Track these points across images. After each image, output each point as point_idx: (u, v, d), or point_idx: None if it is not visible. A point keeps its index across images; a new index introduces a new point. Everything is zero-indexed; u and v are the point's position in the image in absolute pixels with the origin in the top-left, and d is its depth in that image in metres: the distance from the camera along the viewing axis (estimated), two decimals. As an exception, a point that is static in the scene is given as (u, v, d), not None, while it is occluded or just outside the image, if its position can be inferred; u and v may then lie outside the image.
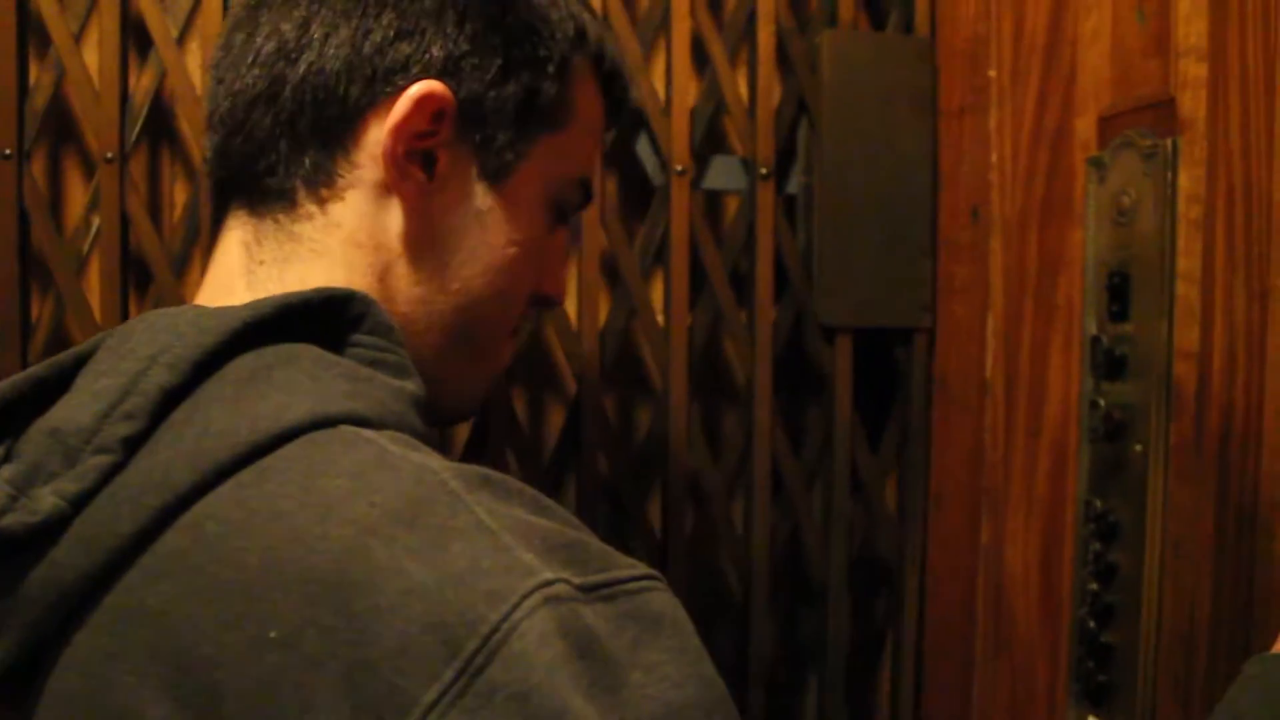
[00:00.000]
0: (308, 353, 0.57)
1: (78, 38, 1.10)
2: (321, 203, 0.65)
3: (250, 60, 0.66)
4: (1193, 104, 0.87)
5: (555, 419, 1.24)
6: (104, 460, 0.52)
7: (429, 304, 0.67)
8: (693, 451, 1.21)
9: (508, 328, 0.72)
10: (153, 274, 1.12)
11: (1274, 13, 0.80)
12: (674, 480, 1.21)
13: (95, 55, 1.09)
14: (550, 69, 0.68)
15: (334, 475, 0.51)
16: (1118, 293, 0.93)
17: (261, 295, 0.63)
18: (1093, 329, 0.96)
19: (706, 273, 1.22)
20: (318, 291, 0.59)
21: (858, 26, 1.26)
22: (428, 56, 0.64)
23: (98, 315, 1.09)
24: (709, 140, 1.24)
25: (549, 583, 0.47)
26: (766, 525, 1.22)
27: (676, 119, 1.19)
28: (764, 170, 1.21)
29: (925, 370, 1.27)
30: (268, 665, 0.47)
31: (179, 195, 1.16)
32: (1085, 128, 1.00)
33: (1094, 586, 0.94)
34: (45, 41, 1.08)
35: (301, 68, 0.64)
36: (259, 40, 0.66)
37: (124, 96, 1.10)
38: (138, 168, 1.15)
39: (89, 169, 1.13)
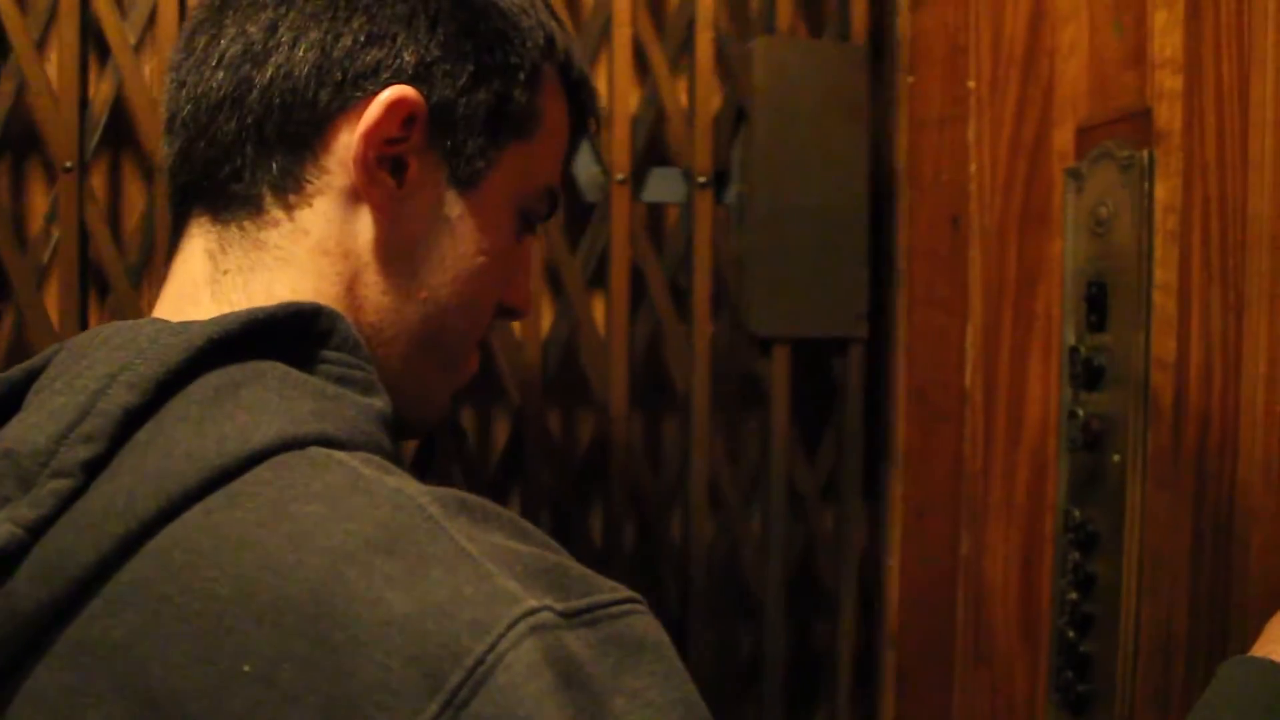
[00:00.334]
0: (275, 370, 0.55)
1: (39, 46, 1.09)
2: (289, 209, 0.63)
3: (215, 63, 0.64)
4: (1169, 115, 0.87)
5: (500, 431, 1.23)
6: (62, 485, 0.50)
7: (397, 313, 0.65)
8: (633, 464, 1.21)
9: (475, 338, 0.71)
10: (110, 285, 1.11)
11: (1249, 25, 0.80)
12: (615, 493, 1.20)
13: (55, 63, 1.09)
14: (521, 77, 0.67)
15: (306, 500, 0.49)
16: (1095, 303, 0.93)
17: (226, 305, 0.63)
18: (1071, 339, 0.96)
19: (647, 283, 1.21)
20: (284, 306, 0.57)
21: (796, 33, 1.25)
22: (399, 62, 0.63)
23: (57, 327, 1.08)
24: (650, 150, 1.23)
25: (533, 611, 0.46)
26: (705, 539, 1.21)
27: (618, 127, 1.19)
28: (702, 179, 1.21)
29: (862, 381, 1.26)
30: (242, 700, 0.45)
31: (141, 205, 1.15)
32: (1063, 138, 1.01)
33: (1073, 596, 0.94)
34: (6, 50, 1.08)
35: (269, 71, 0.62)
36: (224, 42, 0.64)
37: (83, 105, 1.09)
38: (99, 177, 1.14)
39: (52, 179, 1.12)
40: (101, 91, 1.11)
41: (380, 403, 0.59)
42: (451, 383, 0.72)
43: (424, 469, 1.15)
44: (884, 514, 1.29)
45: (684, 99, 1.23)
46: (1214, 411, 0.83)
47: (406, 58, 0.63)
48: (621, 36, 1.19)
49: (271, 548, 0.48)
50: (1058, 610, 0.97)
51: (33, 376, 0.57)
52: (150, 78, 1.12)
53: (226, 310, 0.61)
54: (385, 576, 0.46)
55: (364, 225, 0.64)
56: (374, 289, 0.65)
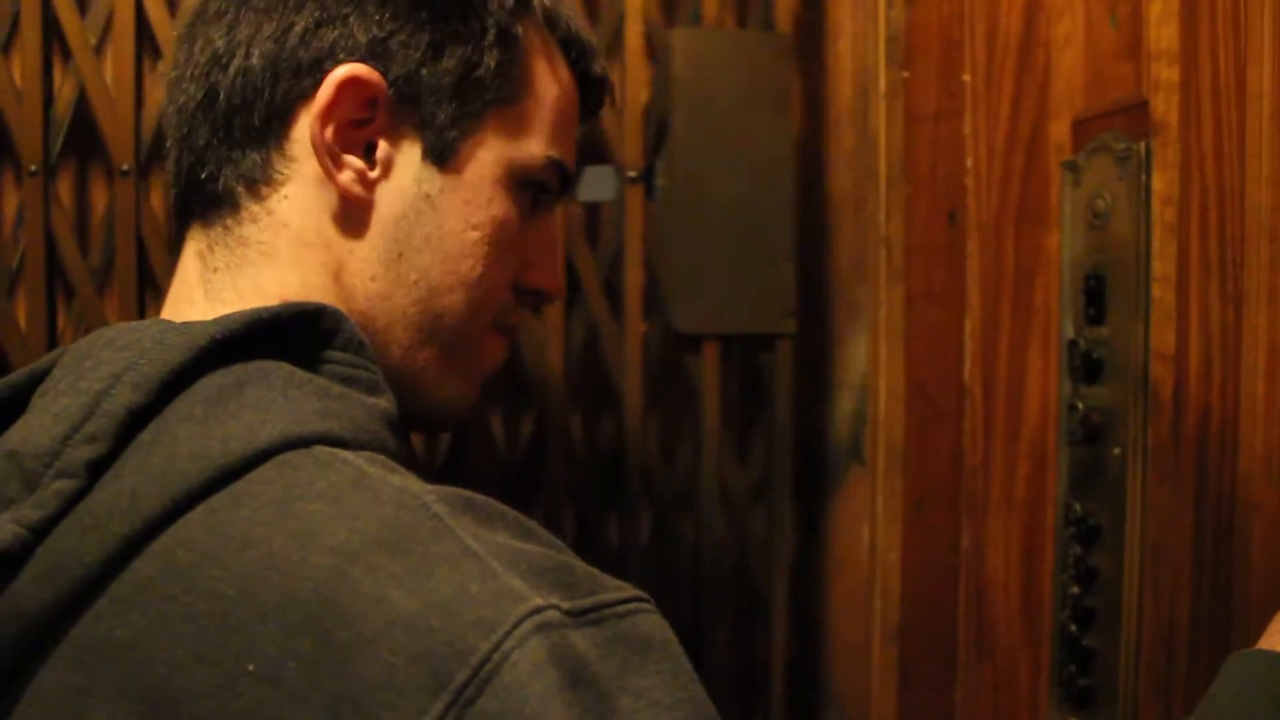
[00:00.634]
0: (279, 370, 0.55)
1: (4, 49, 1.08)
2: (263, 201, 0.64)
3: (189, 75, 0.65)
4: (1165, 107, 0.87)
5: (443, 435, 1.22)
6: (66, 485, 0.50)
7: (388, 299, 0.65)
8: (574, 465, 1.20)
9: (483, 321, 0.69)
10: (75, 289, 1.11)
11: (1245, 15, 0.80)
12: (553, 493, 1.19)
13: (19, 65, 1.09)
14: (487, 40, 0.65)
15: (311, 499, 0.49)
16: (1094, 296, 0.93)
17: (218, 303, 0.63)
18: (1070, 332, 0.96)
19: (581, 280, 1.20)
20: (287, 306, 0.58)
21: (724, 24, 1.22)
22: (352, 41, 0.63)
23: (25, 332, 1.08)
24: (587, 146, 1.21)
25: (539, 609, 0.46)
26: (641, 541, 1.20)
27: None
28: (632, 173, 1.19)
29: (790, 378, 1.24)
30: (248, 700, 0.45)
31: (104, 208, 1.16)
32: (1060, 131, 1.00)
33: (1075, 590, 0.94)
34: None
35: (231, 72, 0.63)
36: (195, 53, 0.65)
37: (47, 106, 1.09)
38: (64, 181, 1.14)
39: (20, 182, 1.12)
40: (64, 93, 1.10)
41: (385, 402, 0.59)
42: (464, 372, 0.70)
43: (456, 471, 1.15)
44: (820, 516, 1.28)
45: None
46: (1214, 403, 0.83)
47: (359, 36, 0.63)
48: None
49: (276, 547, 0.48)
50: (1059, 604, 0.97)
51: (37, 379, 0.57)
52: (111, 79, 1.11)
53: (220, 308, 0.62)
54: (390, 575, 0.46)
55: (340, 212, 0.64)
56: (361, 276, 0.64)
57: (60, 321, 1.12)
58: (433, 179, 0.65)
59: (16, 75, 1.08)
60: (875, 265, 1.30)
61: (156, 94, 1.13)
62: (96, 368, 0.53)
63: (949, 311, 1.17)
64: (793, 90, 1.24)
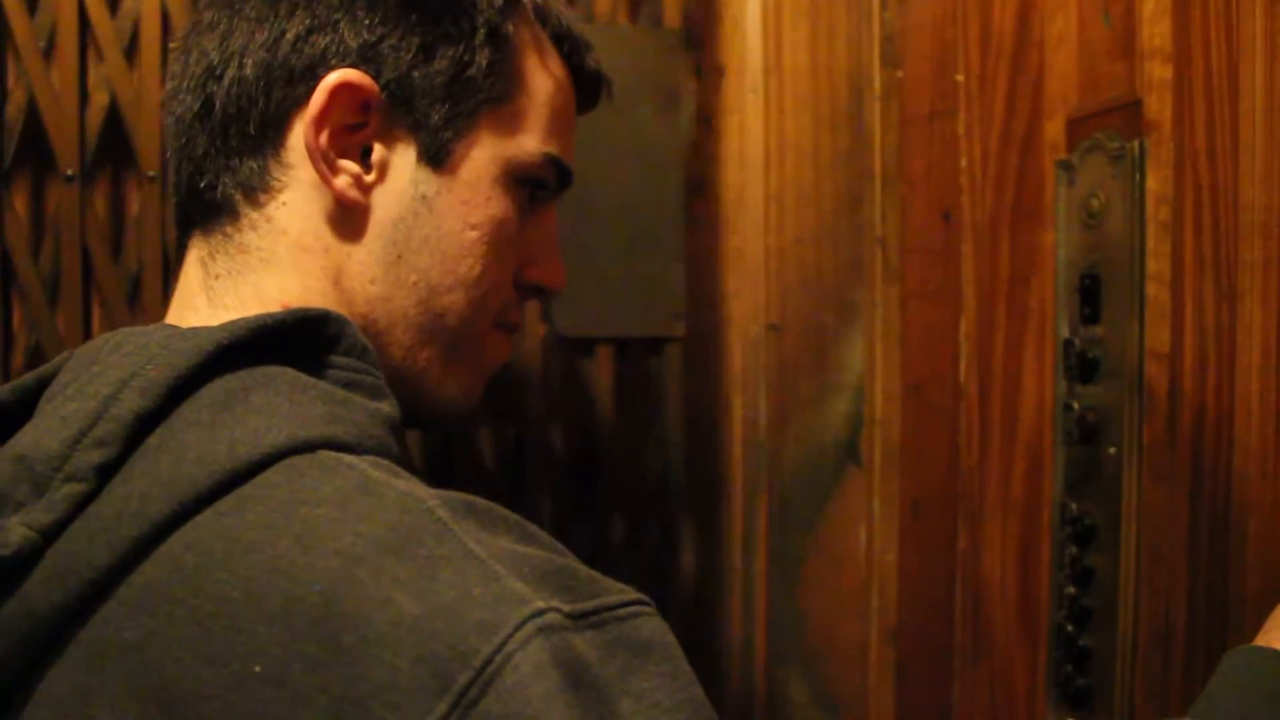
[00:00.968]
0: (284, 375, 0.56)
1: None
2: (261, 209, 0.64)
3: (186, 86, 0.66)
4: (1159, 106, 0.87)
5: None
6: (76, 489, 0.51)
7: (389, 301, 0.65)
8: (481, 472, 1.19)
9: (485, 319, 0.69)
10: (27, 296, 1.11)
11: (1237, 13, 0.80)
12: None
13: None
14: (478, 39, 0.66)
15: (316, 503, 0.50)
16: (1089, 295, 0.93)
17: (221, 309, 0.64)
18: (1065, 332, 0.96)
19: None
20: (292, 313, 0.58)
21: (616, 19, 1.20)
22: (343, 47, 0.63)
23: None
24: None
25: (541, 612, 0.46)
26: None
27: None
28: None
29: (679, 381, 1.22)
30: (253, 701, 0.46)
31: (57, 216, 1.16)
32: (1054, 130, 1.00)
33: (1071, 590, 0.94)
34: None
35: (226, 81, 0.64)
36: (190, 65, 0.66)
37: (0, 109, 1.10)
38: (20, 191, 1.15)
39: None
40: (15, 99, 1.11)
41: (388, 407, 0.59)
42: (468, 370, 0.70)
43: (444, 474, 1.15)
44: (721, 523, 1.27)
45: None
46: (1209, 402, 0.83)
47: (350, 41, 0.64)
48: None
49: (282, 550, 0.48)
50: (1056, 604, 0.97)
51: (44, 383, 0.58)
52: (59, 84, 1.12)
53: (223, 314, 0.63)
54: (394, 578, 0.47)
55: (338, 217, 0.64)
56: (360, 280, 0.65)
57: (14, 331, 1.12)
58: (429, 180, 0.65)
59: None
60: (871, 265, 1.30)
61: (100, 97, 1.13)
62: (104, 373, 0.54)
63: (945, 311, 1.17)
64: (684, 86, 1.21)
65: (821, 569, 1.32)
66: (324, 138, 0.63)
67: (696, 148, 1.30)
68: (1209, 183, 0.82)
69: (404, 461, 0.57)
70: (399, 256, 0.65)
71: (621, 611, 0.49)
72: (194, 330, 0.56)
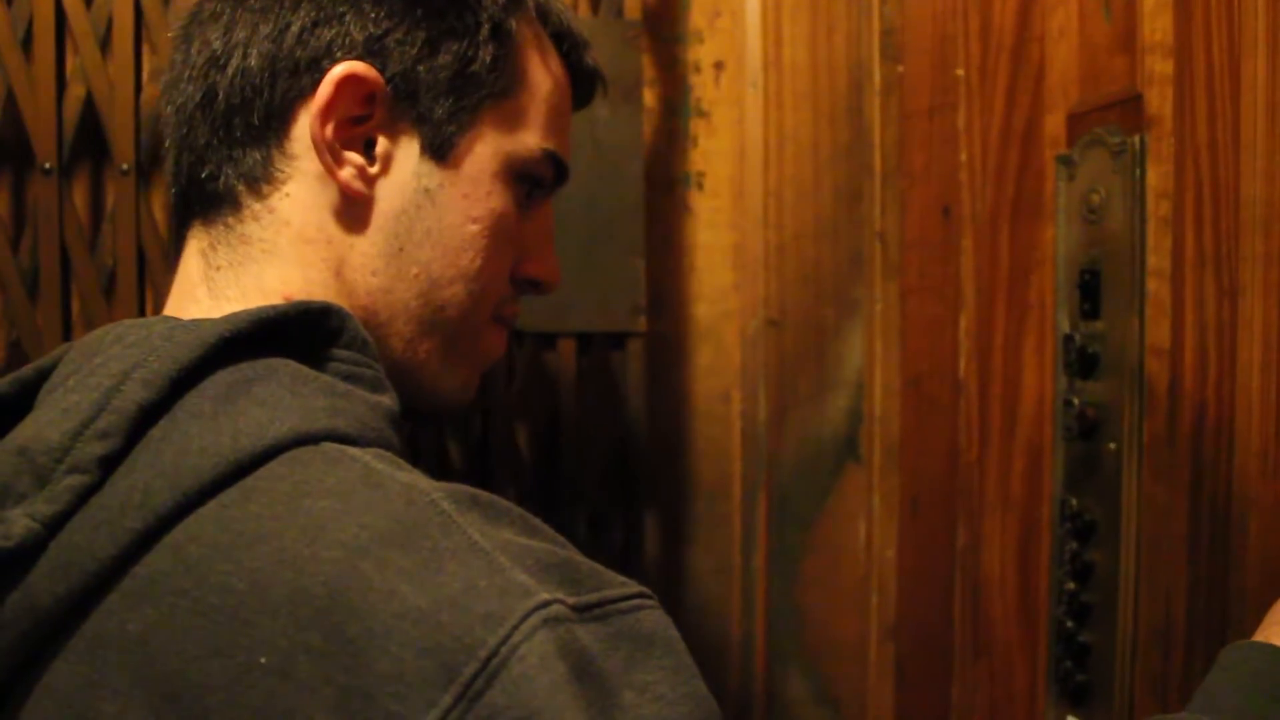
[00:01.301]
0: (286, 367, 0.56)
1: None
2: (264, 200, 0.64)
3: (187, 75, 0.66)
4: (1159, 100, 0.87)
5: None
6: (79, 480, 0.51)
7: (390, 293, 0.66)
8: (446, 466, 1.19)
9: (483, 312, 0.70)
10: (7, 288, 1.11)
11: (1239, 8, 0.79)
12: None
13: None
14: (482, 35, 0.66)
15: (320, 495, 0.50)
16: (1089, 290, 0.92)
17: (222, 300, 0.64)
18: (1065, 327, 0.96)
19: None
20: (294, 305, 0.58)
21: (577, 11, 1.20)
22: (349, 40, 0.64)
23: None
24: None
25: (546, 604, 0.46)
26: None
27: None
28: None
29: (642, 377, 1.22)
30: (259, 693, 0.46)
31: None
32: (1054, 125, 1.00)
33: (1071, 586, 0.94)
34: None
35: (230, 71, 0.64)
36: (193, 54, 0.66)
37: None
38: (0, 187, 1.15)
39: None
40: None
41: (389, 400, 0.60)
42: (464, 362, 0.71)
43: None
44: (683, 522, 1.27)
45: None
46: (1209, 398, 0.82)
47: (355, 34, 0.64)
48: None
49: (286, 542, 0.48)
50: (1056, 600, 0.97)
51: (43, 375, 0.58)
52: (37, 76, 1.12)
53: (224, 305, 0.63)
54: (399, 570, 0.47)
55: (341, 209, 0.65)
56: (362, 271, 0.65)
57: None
58: (432, 174, 0.66)
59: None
60: (871, 261, 1.30)
61: (76, 89, 1.13)
62: (106, 364, 0.54)
63: (944, 307, 1.17)
64: (644, 79, 1.21)
65: (821, 565, 1.32)
66: (329, 129, 0.63)
67: (674, 139, 1.30)
68: (1210, 178, 0.82)
69: (404, 454, 0.57)
70: (401, 249, 0.65)
71: (624, 605, 0.50)
72: (196, 322, 0.56)
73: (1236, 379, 0.80)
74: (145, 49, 1.16)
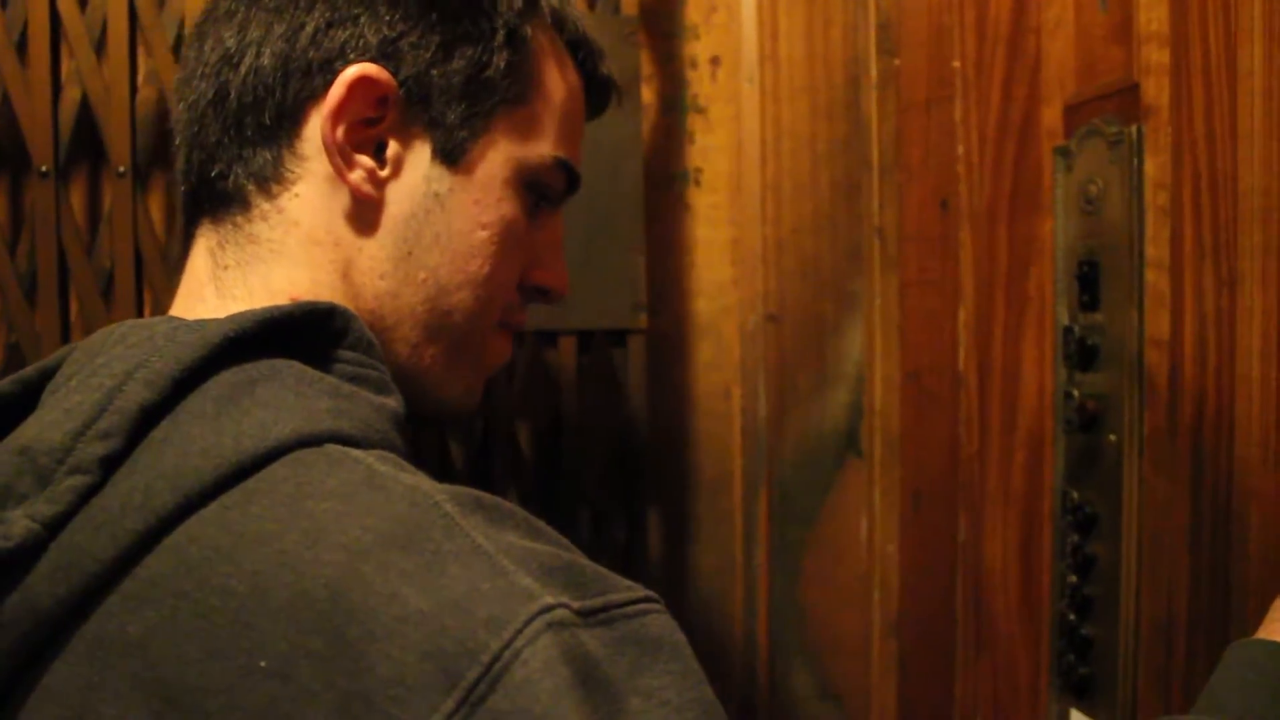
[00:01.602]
0: (290, 368, 0.55)
1: None
2: (274, 200, 0.64)
3: (200, 73, 0.66)
4: (1156, 90, 0.86)
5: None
6: (80, 481, 0.50)
7: (397, 297, 0.65)
8: (445, 466, 1.19)
9: (490, 319, 0.70)
10: (5, 292, 1.11)
11: (1235, -3, 0.79)
12: None
13: None
14: (497, 41, 0.66)
15: (323, 497, 0.49)
16: (1088, 282, 0.92)
17: (230, 300, 0.64)
18: (1064, 319, 0.96)
19: None
20: (299, 305, 0.58)
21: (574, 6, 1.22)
22: (362, 42, 0.63)
23: None
24: None
25: (550, 607, 0.46)
26: None
27: None
28: None
29: (643, 374, 1.22)
30: (259, 696, 0.45)
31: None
32: (1051, 117, 1.00)
33: (1073, 579, 0.94)
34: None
35: (242, 70, 0.64)
36: (206, 52, 0.66)
37: None
38: None
39: None
40: None
41: (393, 402, 0.59)
42: (470, 369, 0.71)
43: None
44: (684, 520, 1.26)
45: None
46: (1209, 388, 0.82)
47: (369, 37, 0.64)
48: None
49: (288, 544, 0.48)
50: (1058, 593, 0.97)
51: (46, 375, 0.58)
52: (32, 79, 1.12)
53: (231, 305, 0.63)
54: (401, 572, 0.46)
55: (351, 211, 0.64)
56: (370, 275, 0.65)
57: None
58: (442, 178, 0.66)
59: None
60: (869, 255, 1.29)
61: (72, 92, 1.13)
62: (109, 364, 0.54)
63: (943, 300, 1.17)
64: (642, 75, 1.21)
65: (822, 561, 1.32)
66: (340, 131, 0.63)
67: (672, 135, 1.30)
68: (1208, 168, 0.82)
69: (408, 456, 0.57)
70: (409, 253, 0.65)
71: (630, 609, 0.49)
72: (200, 322, 0.56)
73: (1236, 369, 0.80)
74: (140, 51, 1.16)
